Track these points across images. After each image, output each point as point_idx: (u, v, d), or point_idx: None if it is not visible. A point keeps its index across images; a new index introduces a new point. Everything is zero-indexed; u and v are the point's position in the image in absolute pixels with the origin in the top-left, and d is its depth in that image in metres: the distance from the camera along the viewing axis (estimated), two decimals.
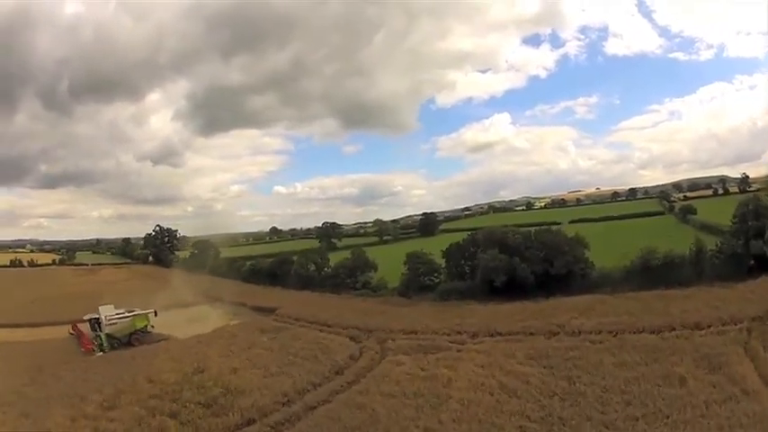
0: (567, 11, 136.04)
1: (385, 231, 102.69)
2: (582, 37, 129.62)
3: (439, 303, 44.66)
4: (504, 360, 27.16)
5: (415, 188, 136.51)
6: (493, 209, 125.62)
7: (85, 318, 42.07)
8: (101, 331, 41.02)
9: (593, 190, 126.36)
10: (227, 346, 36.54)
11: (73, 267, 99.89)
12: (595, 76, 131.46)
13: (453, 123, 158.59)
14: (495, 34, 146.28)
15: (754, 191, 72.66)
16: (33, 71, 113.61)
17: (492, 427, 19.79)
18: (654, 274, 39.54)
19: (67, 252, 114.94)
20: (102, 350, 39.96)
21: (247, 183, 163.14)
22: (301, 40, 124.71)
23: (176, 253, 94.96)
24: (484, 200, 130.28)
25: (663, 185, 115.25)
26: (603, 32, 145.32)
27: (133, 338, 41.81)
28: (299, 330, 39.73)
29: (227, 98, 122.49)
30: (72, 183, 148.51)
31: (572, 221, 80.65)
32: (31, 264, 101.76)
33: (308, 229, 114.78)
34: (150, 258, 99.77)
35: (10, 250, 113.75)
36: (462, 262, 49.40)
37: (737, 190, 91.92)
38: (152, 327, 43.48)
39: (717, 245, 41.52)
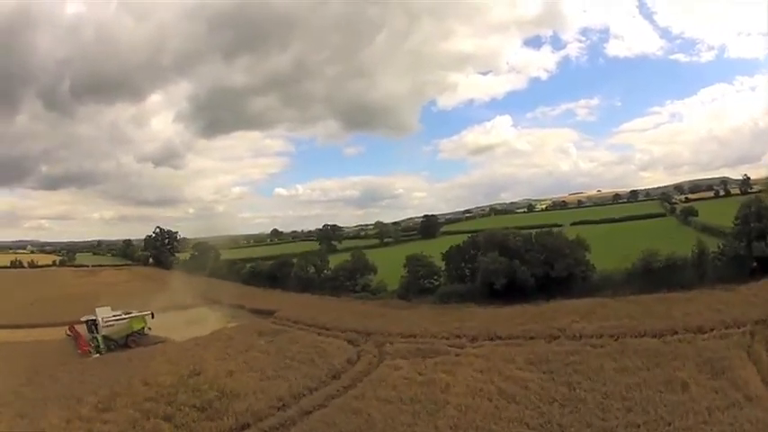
0: (568, 12, 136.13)
1: (386, 233, 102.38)
2: (583, 39, 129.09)
3: (438, 306, 44.31)
4: (504, 365, 26.77)
5: (416, 190, 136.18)
6: (494, 211, 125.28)
7: (82, 319, 41.92)
8: (97, 333, 40.78)
9: (594, 192, 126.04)
10: (223, 348, 36.23)
11: (73, 269, 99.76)
12: (596, 78, 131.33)
13: (455, 125, 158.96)
14: (496, 36, 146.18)
15: (755, 192, 72.35)
16: (34, 71, 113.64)
17: None
18: (655, 276, 39.17)
19: (68, 253, 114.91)
20: (98, 352, 39.72)
21: (249, 185, 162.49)
22: (303, 42, 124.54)
23: (176, 255, 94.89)
24: (485, 202, 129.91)
25: (664, 187, 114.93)
26: (604, 34, 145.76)
27: (130, 340, 41.61)
28: (297, 333, 39.39)
29: (228, 100, 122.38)
30: (73, 184, 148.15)
31: (573, 223, 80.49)
32: (32, 265, 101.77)
33: (310, 232, 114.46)
34: (151, 260, 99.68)
35: (11, 251, 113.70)
36: (462, 264, 49.02)
37: (739, 191, 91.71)
38: (149, 329, 43.23)
39: (719, 247, 41.14)
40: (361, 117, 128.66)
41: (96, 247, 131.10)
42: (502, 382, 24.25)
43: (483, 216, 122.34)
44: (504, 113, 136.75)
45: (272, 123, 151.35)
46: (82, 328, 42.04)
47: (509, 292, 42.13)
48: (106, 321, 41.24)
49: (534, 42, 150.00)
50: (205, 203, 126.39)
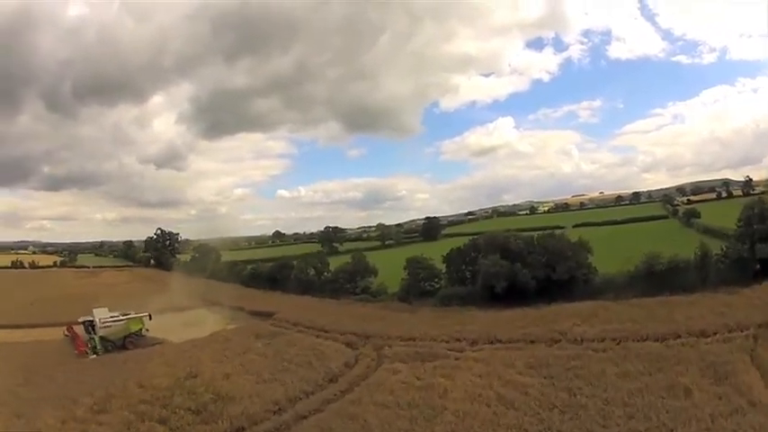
0: (569, 14, 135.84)
1: (387, 235, 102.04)
2: (585, 41, 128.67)
3: (439, 309, 43.88)
4: (504, 369, 26.33)
5: (418, 192, 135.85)
6: (496, 213, 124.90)
7: (80, 320, 41.79)
8: (95, 334, 40.65)
9: (596, 194, 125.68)
10: (221, 351, 35.94)
11: (74, 269, 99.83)
12: (599, 80, 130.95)
13: (457, 127, 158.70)
14: (498, 38, 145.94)
15: (757, 194, 71.78)
16: (36, 72, 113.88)
17: None
18: (658, 279, 38.66)
19: (70, 254, 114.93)
20: (95, 353, 39.48)
21: (251, 186, 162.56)
22: (305, 44, 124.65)
23: (177, 256, 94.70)
24: (488, 204, 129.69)
25: (666, 189, 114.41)
26: (606, 36, 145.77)
27: (127, 342, 41.42)
28: (295, 336, 39.07)
29: (230, 101, 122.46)
30: (75, 185, 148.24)
31: (575, 225, 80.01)
32: (32, 265, 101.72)
33: (312, 233, 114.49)
34: (152, 262, 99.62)
35: (12, 252, 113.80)
36: (463, 267, 48.59)
37: (741, 193, 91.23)
38: (146, 330, 43.04)
39: (722, 249, 40.59)
40: (364, 119, 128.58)
41: (98, 249, 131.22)
42: (501, 387, 23.80)
43: (485, 218, 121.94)
44: (507, 115, 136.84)
45: (274, 125, 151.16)
46: (80, 329, 41.91)
47: (510, 295, 41.63)
48: (103, 322, 41.10)
49: (536, 44, 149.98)
50: (207, 205, 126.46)
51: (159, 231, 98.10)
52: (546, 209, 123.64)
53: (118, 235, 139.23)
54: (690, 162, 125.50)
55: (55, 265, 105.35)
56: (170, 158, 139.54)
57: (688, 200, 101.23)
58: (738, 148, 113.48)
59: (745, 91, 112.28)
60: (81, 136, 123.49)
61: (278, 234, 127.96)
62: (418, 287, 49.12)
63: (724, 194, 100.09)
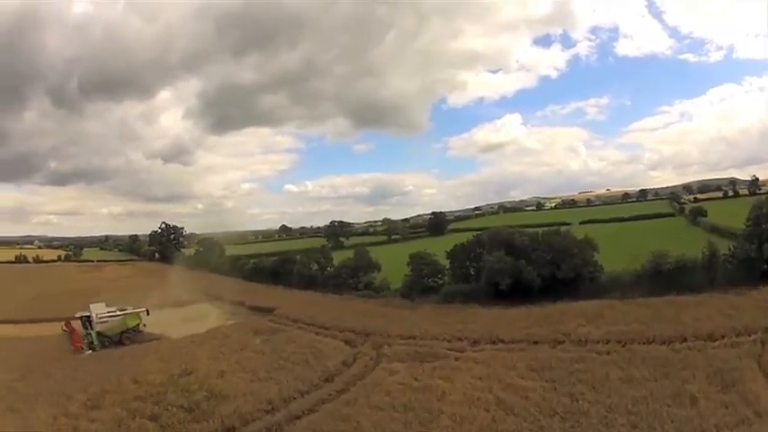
0: (577, 11, 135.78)
1: (394, 230, 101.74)
2: (592, 37, 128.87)
3: (442, 306, 43.19)
4: (504, 372, 25.51)
5: (426, 187, 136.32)
6: (503, 209, 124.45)
7: (77, 315, 41.44)
8: (91, 329, 40.34)
9: (603, 191, 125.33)
10: (218, 347, 35.51)
11: (77, 264, 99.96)
12: (606, 77, 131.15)
13: (465, 123, 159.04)
14: (505, 34, 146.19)
15: (764, 193, 70.95)
16: (42, 69, 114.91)
17: None
18: (665, 278, 37.78)
19: (75, 249, 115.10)
20: (91, 348, 39.19)
21: (258, 181, 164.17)
22: (312, 40, 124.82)
23: (182, 250, 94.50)
24: (495, 200, 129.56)
25: (673, 187, 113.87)
26: (614, 33, 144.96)
27: (124, 337, 41.09)
28: (294, 332, 38.52)
29: (238, 97, 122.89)
30: (82, 180, 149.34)
31: (582, 222, 79.80)
32: (36, 260, 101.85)
33: (318, 228, 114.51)
34: (157, 255, 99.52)
35: (17, 246, 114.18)
36: (467, 263, 47.79)
37: (747, 192, 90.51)
38: (144, 325, 42.71)
39: (730, 249, 39.60)
40: (371, 115, 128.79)
41: (104, 243, 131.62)
42: (501, 390, 22.98)
43: (492, 214, 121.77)
44: (514, 112, 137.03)
45: (281, 120, 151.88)
46: (78, 324, 41.58)
47: (514, 292, 40.85)
48: (100, 318, 40.84)
49: (544, 41, 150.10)
50: (214, 199, 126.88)
51: (164, 225, 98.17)
52: (553, 205, 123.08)
53: (124, 229, 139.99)
54: (696, 160, 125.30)
55: (59, 259, 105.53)
56: (177, 153, 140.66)
57: (695, 198, 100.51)
58: (744, 148, 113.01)
59: (752, 90, 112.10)
60: (87, 132, 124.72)
61: (284, 228, 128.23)
62: (421, 283, 48.30)
63: (731, 193, 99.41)
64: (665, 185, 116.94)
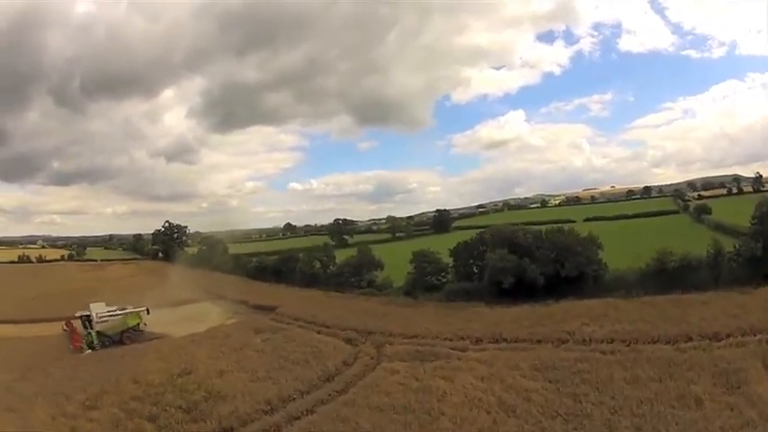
0: (580, 7, 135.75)
1: (397, 228, 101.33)
2: (596, 34, 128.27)
3: (444, 305, 42.80)
4: (507, 372, 25.06)
5: (430, 185, 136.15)
6: (508, 206, 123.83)
7: (77, 315, 41.30)
8: (92, 329, 40.19)
9: (607, 188, 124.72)
10: (218, 346, 35.26)
11: (80, 263, 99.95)
12: (609, 74, 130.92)
13: (468, 120, 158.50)
14: (509, 30, 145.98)
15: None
16: (45, 69, 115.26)
17: None
18: (670, 277, 37.33)
19: (78, 248, 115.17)
20: (91, 348, 39.05)
21: (263, 179, 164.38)
22: (315, 38, 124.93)
23: (185, 249, 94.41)
24: (499, 197, 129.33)
25: (677, 184, 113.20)
26: (617, 29, 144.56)
27: (125, 336, 40.96)
28: (295, 331, 38.16)
29: (242, 95, 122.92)
30: (85, 179, 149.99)
31: (586, 219, 79.29)
32: (39, 260, 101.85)
33: (322, 226, 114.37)
34: (160, 254, 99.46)
35: (21, 246, 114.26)
36: (470, 261, 47.46)
37: (751, 189, 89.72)
38: (145, 325, 42.53)
39: (734, 247, 39.02)
40: (375, 112, 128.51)
41: (108, 242, 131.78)
42: (503, 391, 22.57)
43: (496, 211, 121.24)
44: (518, 108, 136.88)
45: (285, 118, 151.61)
46: (78, 324, 41.44)
47: (517, 291, 40.41)
48: (100, 317, 40.70)
49: (547, 37, 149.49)
50: (218, 198, 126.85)
51: (167, 224, 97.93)
52: (557, 202, 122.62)
53: (127, 228, 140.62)
54: (700, 157, 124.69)
55: (63, 259, 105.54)
56: (181, 152, 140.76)
57: (698, 195, 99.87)
58: (748, 144, 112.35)
59: (755, 86, 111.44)
60: (90, 131, 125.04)
61: (289, 226, 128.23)
62: (424, 281, 48.06)
63: (734, 190, 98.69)
64: (668, 182, 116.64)
